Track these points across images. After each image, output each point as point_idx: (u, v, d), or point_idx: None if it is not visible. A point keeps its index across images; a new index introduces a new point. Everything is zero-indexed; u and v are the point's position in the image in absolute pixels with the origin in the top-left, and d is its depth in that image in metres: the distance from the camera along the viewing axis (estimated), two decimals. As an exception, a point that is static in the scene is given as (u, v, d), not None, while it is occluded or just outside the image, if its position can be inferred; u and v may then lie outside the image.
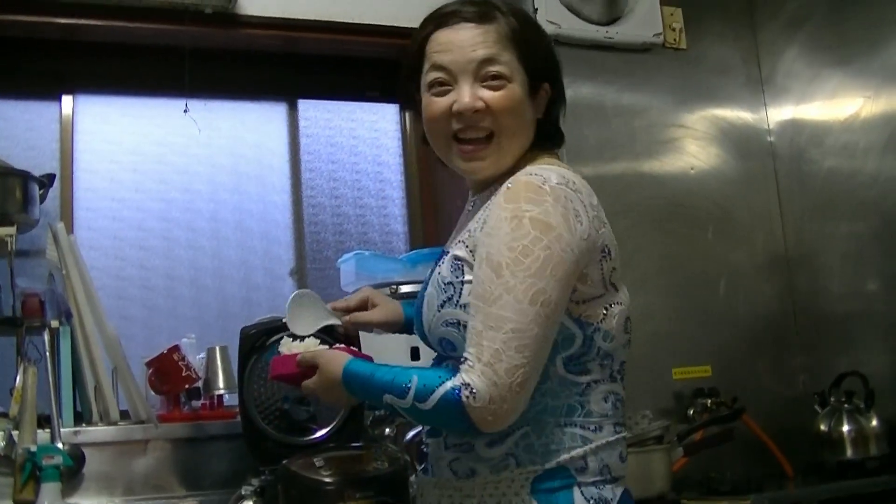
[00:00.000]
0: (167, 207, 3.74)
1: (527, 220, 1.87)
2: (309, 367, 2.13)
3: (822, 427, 3.66)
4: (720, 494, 3.22)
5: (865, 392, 3.62)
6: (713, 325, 3.95)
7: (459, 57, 2.02)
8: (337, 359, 2.10)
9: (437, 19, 2.09)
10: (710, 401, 3.70)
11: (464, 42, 2.03)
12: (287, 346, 2.23)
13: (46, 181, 3.32)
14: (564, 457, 1.95)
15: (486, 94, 2.01)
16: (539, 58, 2.08)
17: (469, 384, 1.82)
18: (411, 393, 1.90)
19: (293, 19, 3.62)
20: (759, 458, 3.71)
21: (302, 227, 3.89)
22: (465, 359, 1.86)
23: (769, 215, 4.18)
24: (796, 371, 4.06)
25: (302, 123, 3.98)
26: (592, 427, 1.98)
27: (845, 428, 3.61)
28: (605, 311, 1.98)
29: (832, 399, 3.70)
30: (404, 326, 2.40)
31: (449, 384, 1.85)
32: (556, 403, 1.96)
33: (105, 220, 3.65)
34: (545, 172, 1.96)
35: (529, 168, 2.00)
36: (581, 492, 1.94)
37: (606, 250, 1.99)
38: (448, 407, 1.85)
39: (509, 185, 1.95)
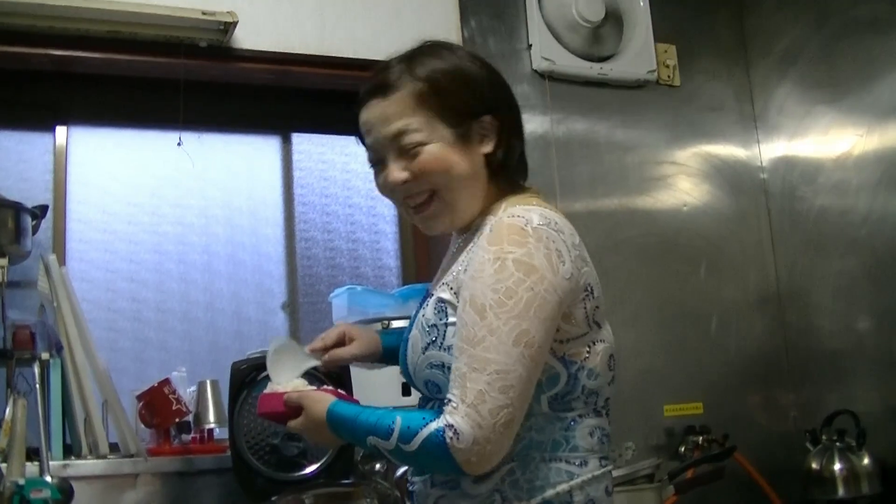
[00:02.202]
0: (159, 240, 3.72)
1: (510, 262, 1.88)
2: (294, 408, 2.13)
3: (814, 465, 3.66)
4: (711, 532, 3.23)
5: (857, 430, 3.62)
6: (705, 361, 3.97)
7: (377, 135, 2.06)
8: (321, 401, 2.09)
9: (358, 100, 2.11)
10: (701, 438, 3.71)
11: (376, 120, 2.05)
12: (273, 387, 2.23)
13: (39, 212, 3.31)
14: (550, 492, 1.95)
15: (410, 164, 2.03)
16: (463, 101, 2.05)
17: (453, 425, 1.82)
18: (395, 434, 1.90)
19: (287, 53, 3.63)
20: (750, 497, 3.72)
21: (294, 260, 3.88)
22: (450, 400, 1.86)
23: (761, 252, 4.21)
24: (788, 408, 4.07)
25: (295, 157, 3.97)
26: (578, 462, 1.98)
27: (837, 466, 3.62)
28: (588, 350, 1.99)
29: (824, 437, 3.71)
30: (382, 357, 2.39)
31: (433, 426, 1.85)
32: (542, 438, 1.97)
33: (97, 252, 3.63)
34: (527, 214, 1.96)
35: (511, 209, 2.00)
36: None
37: (589, 289, 2.01)
38: (432, 448, 1.85)
39: (491, 227, 1.96)
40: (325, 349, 2.34)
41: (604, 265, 3.77)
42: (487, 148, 2.08)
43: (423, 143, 2.02)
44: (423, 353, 2.01)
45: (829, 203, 4.03)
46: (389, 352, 2.35)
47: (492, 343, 1.84)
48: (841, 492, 3.59)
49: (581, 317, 1.97)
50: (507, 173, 2.12)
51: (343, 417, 2.03)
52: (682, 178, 4.15)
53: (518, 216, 1.95)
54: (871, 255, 3.86)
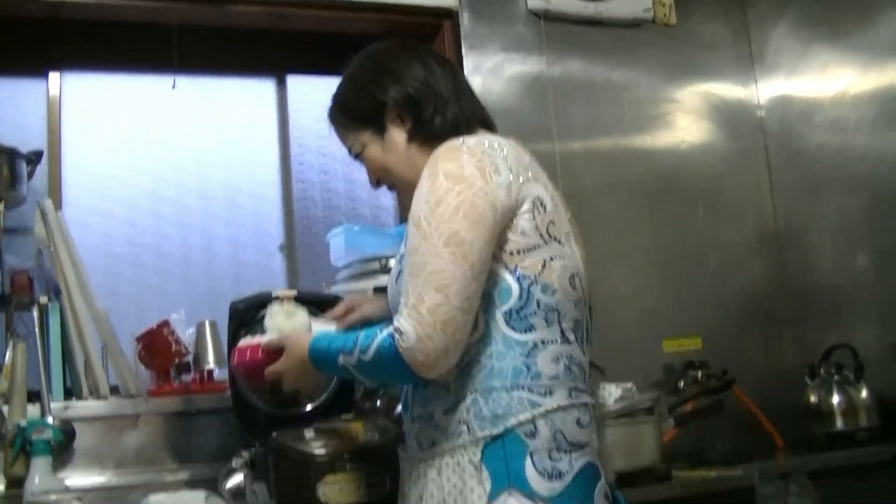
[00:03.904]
0: (156, 185, 3.72)
1: (441, 175, 1.99)
2: (275, 352, 2.24)
3: (812, 399, 3.68)
4: (710, 465, 3.23)
5: (855, 364, 3.64)
6: (703, 299, 3.97)
7: None
8: (303, 338, 2.19)
9: None
10: (700, 373, 3.71)
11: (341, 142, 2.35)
12: (246, 340, 2.37)
13: (34, 158, 3.30)
14: (512, 421, 1.98)
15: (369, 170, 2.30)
16: (360, 106, 2.27)
17: (399, 327, 1.92)
18: (357, 348, 1.99)
19: (282, -6, 3.61)
20: (749, 431, 3.72)
21: (291, 202, 3.87)
22: (399, 310, 1.96)
23: (759, 190, 4.20)
24: (786, 344, 4.07)
25: (291, 99, 3.96)
26: (542, 391, 2.01)
27: (835, 400, 3.63)
28: (543, 265, 2.03)
29: (822, 371, 3.72)
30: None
31: (385, 332, 1.95)
32: (502, 365, 2.00)
33: (93, 198, 3.63)
34: (466, 138, 2.09)
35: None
36: (533, 461, 1.96)
37: (538, 202, 2.05)
38: (385, 354, 1.95)
39: (431, 155, 2.07)
40: (340, 318, 2.47)
41: (601, 205, 3.82)
42: (407, 126, 2.21)
43: (361, 153, 2.27)
44: (395, 283, 2.12)
45: (827, 141, 4.01)
46: None
47: (426, 248, 1.94)
48: (839, 424, 3.60)
49: (530, 228, 2.03)
50: (444, 134, 2.17)
51: (320, 349, 2.11)
52: (679, 118, 4.13)
53: (454, 141, 2.08)
54: (869, 193, 3.85)
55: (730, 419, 3.61)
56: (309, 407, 2.82)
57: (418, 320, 1.91)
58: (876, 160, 3.80)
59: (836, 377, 3.67)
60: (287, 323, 2.56)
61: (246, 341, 2.35)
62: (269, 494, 2.65)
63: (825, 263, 4.04)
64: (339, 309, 2.51)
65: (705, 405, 3.35)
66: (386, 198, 3.96)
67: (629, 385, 2.23)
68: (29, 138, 3.52)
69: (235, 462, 2.89)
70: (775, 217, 4.19)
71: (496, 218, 1.98)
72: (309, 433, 2.47)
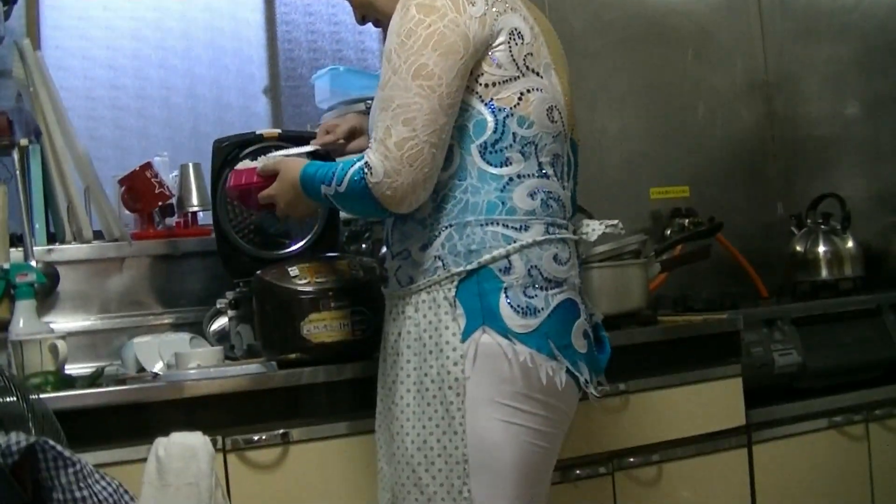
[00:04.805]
0: (136, 25, 3.61)
1: (413, 7, 1.97)
2: (270, 176, 2.22)
3: (798, 248, 3.69)
4: (696, 311, 3.24)
5: (842, 214, 3.63)
6: (691, 147, 3.95)
7: None
8: (296, 164, 2.17)
9: None
10: (687, 221, 3.72)
11: None
12: (244, 163, 2.34)
13: (10, -3, 3.22)
14: (486, 256, 1.99)
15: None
16: None
17: (367, 162, 1.94)
18: (335, 179, 2.00)
19: None
20: (734, 279, 3.75)
21: (275, 44, 3.79)
22: (369, 145, 1.97)
23: (750, 37, 4.14)
24: (774, 194, 4.08)
25: (275, -62, 3.87)
26: (517, 226, 2.01)
27: (821, 249, 3.64)
28: (520, 97, 2.02)
29: (809, 221, 3.72)
30: None
31: (357, 165, 1.96)
32: (476, 200, 2.01)
33: (73, 39, 3.53)
34: None
35: None
36: (507, 297, 1.97)
37: (516, 33, 2.03)
38: (355, 186, 1.97)
39: None
40: (335, 144, 2.43)
41: (589, 48, 3.76)
42: None
43: None
44: (371, 119, 2.10)
45: (821, -12, 3.96)
46: None
47: (394, 82, 1.95)
48: (824, 273, 3.62)
49: (505, 59, 2.01)
50: None
51: (308, 174, 2.10)
52: (672, -39, 4.05)
53: None
54: (862, 41, 3.81)
55: (715, 267, 3.63)
56: (294, 247, 2.81)
57: (385, 154, 1.92)
58: (868, 7, 3.77)
59: (822, 227, 3.67)
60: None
61: (243, 164, 2.33)
62: (253, 335, 2.66)
63: (815, 112, 4.02)
64: (342, 129, 2.52)
65: (693, 251, 3.35)
66: (371, 40, 3.88)
67: (615, 222, 2.20)
68: (5, -23, 3.43)
69: (220, 304, 2.90)
70: (766, 65, 4.13)
71: (468, 50, 1.96)
72: (293, 270, 2.45)
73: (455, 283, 1.99)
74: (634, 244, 2.93)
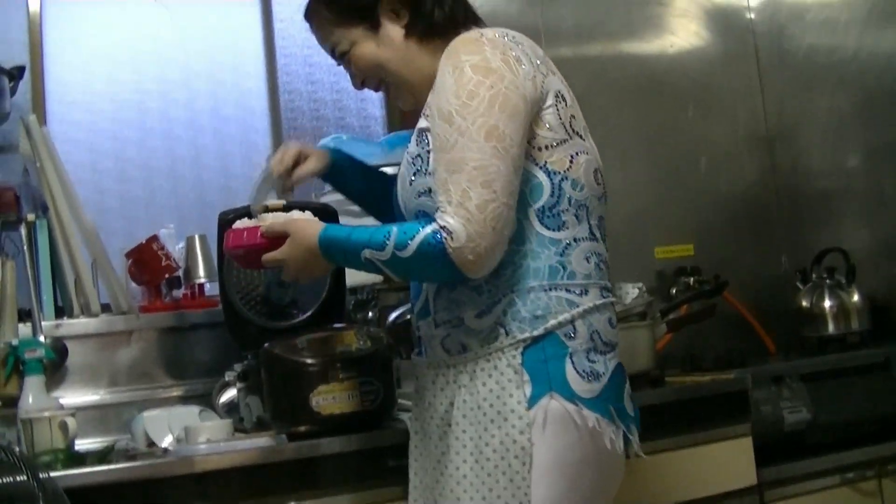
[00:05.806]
0: (141, 98, 3.66)
1: (468, 68, 1.92)
2: (277, 238, 2.08)
3: (804, 303, 3.69)
4: (704, 370, 3.24)
5: (847, 267, 3.64)
6: (695, 203, 3.96)
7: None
8: (311, 225, 2.08)
9: None
10: (692, 279, 3.72)
11: (317, 42, 2.25)
12: (243, 221, 2.16)
13: (16, 73, 3.25)
14: (552, 322, 1.95)
15: (354, 69, 2.19)
16: (354, 3, 2.14)
17: (445, 226, 1.85)
18: (391, 243, 1.91)
19: None
20: (741, 335, 3.74)
21: (279, 113, 3.82)
22: (438, 208, 1.89)
23: (750, 92, 4.16)
24: (778, 248, 4.08)
25: (276, 8, 3.89)
26: (578, 290, 1.98)
27: (827, 303, 3.64)
28: (571, 160, 2.00)
29: (814, 275, 3.72)
30: (329, 172, 2.39)
31: (428, 229, 1.87)
32: (538, 265, 1.97)
33: (78, 113, 3.57)
34: (481, 29, 2.05)
35: (463, 35, 2.03)
36: (573, 363, 1.95)
37: (560, 96, 2.02)
38: (429, 251, 1.87)
39: (447, 49, 2.00)
40: (289, 172, 2.30)
41: (591, 108, 3.69)
42: (404, 21, 2.13)
43: (348, 52, 2.16)
44: (411, 185, 2.02)
45: (818, 41, 3.98)
46: (339, 167, 2.41)
47: (464, 143, 1.88)
48: (831, 328, 3.62)
49: (555, 122, 1.99)
50: (443, 28, 2.12)
51: (336, 238, 2.02)
52: (669, 20, 4.08)
53: (471, 33, 2.02)
54: (861, 92, 3.83)
55: (722, 324, 3.62)
56: (301, 318, 2.81)
57: (468, 218, 1.84)
58: (867, 59, 3.79)
59: (827, 281, 3.68)
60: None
61: (243, 223, 2.15)
62: (262, 407, 2.66)
63: (816, 164, 4.04)
64: (289, 155, 2.30)
65: (698, 310, 3.35)
66: (374, 107, 3.92)
67: (640, 284, 2.20)
68: (10, 54, 3.45)
69: (228, 376, 2.90)
70: (766, 118, 4.15)
71: (528, 111, 1.94)
72: (301, 343, 2.46)
73: (520, 349, 1.94)
74: (640, 306, 2.94)
